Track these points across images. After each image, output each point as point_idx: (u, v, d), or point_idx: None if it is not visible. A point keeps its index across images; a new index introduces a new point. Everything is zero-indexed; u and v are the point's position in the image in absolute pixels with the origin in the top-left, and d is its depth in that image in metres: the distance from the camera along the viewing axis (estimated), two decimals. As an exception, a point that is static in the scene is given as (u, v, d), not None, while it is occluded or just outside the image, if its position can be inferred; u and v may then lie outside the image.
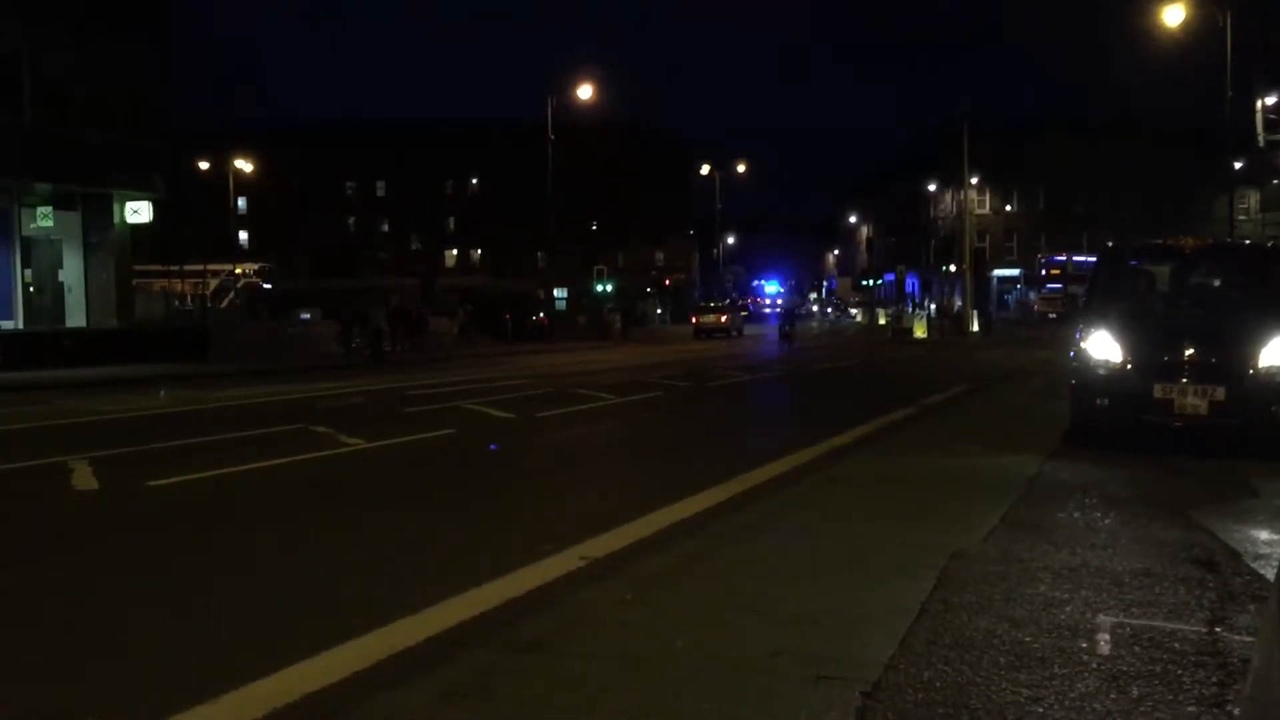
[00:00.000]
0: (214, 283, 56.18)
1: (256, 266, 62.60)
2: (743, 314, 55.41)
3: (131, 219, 30.62)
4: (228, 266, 59.56)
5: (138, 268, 38.03)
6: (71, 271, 30.42)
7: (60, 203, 29.11)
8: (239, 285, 57.07)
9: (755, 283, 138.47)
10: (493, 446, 12.20)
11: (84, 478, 9.53)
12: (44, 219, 28.81)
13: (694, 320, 54.07)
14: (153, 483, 9.16)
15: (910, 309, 56.35)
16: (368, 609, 5.03)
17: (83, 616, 5.33)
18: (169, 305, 50.07)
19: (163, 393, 18.98)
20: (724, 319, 52.35)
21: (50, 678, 4.39)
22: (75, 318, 30.01)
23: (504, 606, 5.03)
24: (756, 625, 4.61)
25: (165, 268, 53.14)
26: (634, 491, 8.45)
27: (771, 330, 54.83)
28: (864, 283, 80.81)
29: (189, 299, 55.45)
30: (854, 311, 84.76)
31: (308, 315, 43.15)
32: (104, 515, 8.23)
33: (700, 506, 7.50)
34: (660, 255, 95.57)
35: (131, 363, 25.76)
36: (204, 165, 63.04)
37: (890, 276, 79.78)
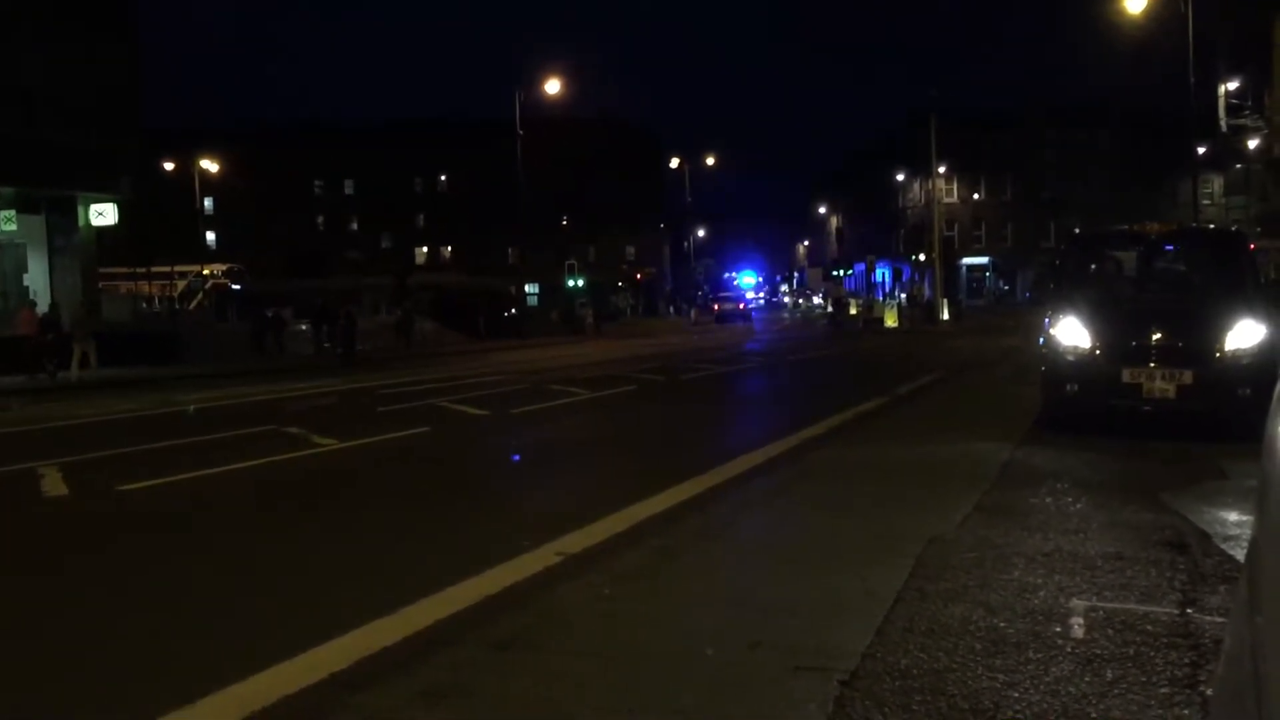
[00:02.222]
0: (182, 284, 55.76)
1: (225, 267, 62.19)
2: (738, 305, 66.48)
3: (97, 222, 30.27)
4: (196, 268, 59.11)
5: (104, 270, 37.65)
6: (37, 275, 30.06)
7: (24, 206, 28.73)
8: (207, 286, 56.66)
9: (726, 275, 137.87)
10: (485, 439, 12.17)
11: (54, 483, 9.43)
12: (7, 223, 28.43)
13: (715, 307, 67.61)
14: (124, 487, 9.07)
15: (881, 298, 56.64)
16: (345, 609, 5.00)
17: (53, 623, 5.28)
18: (137, 307, 49.57)
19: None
20: (741, 305, 66.65)
21: (20, 685, 4.35)
22: (41, 322, 29.64)
23: (482, 604, 5.01)
24: (734, 617, 4.62)
25: (132, 270, 52.67)
26: (610, 486, 8.45)
27: (757, 324, 56.84)
28: (835, 273, 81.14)
29: (157, 301, 54.97)
30: (822, 300, 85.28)
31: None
32: (74, 521, 8.15)
33: (676, 500, 7.50)
34: (631, 249, 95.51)
35: (99, 366, 25.50)
36: (170, 166, 62.45)
37: (861, 266, 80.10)
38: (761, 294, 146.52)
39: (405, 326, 37.78)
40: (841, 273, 77.47)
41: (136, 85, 32.27)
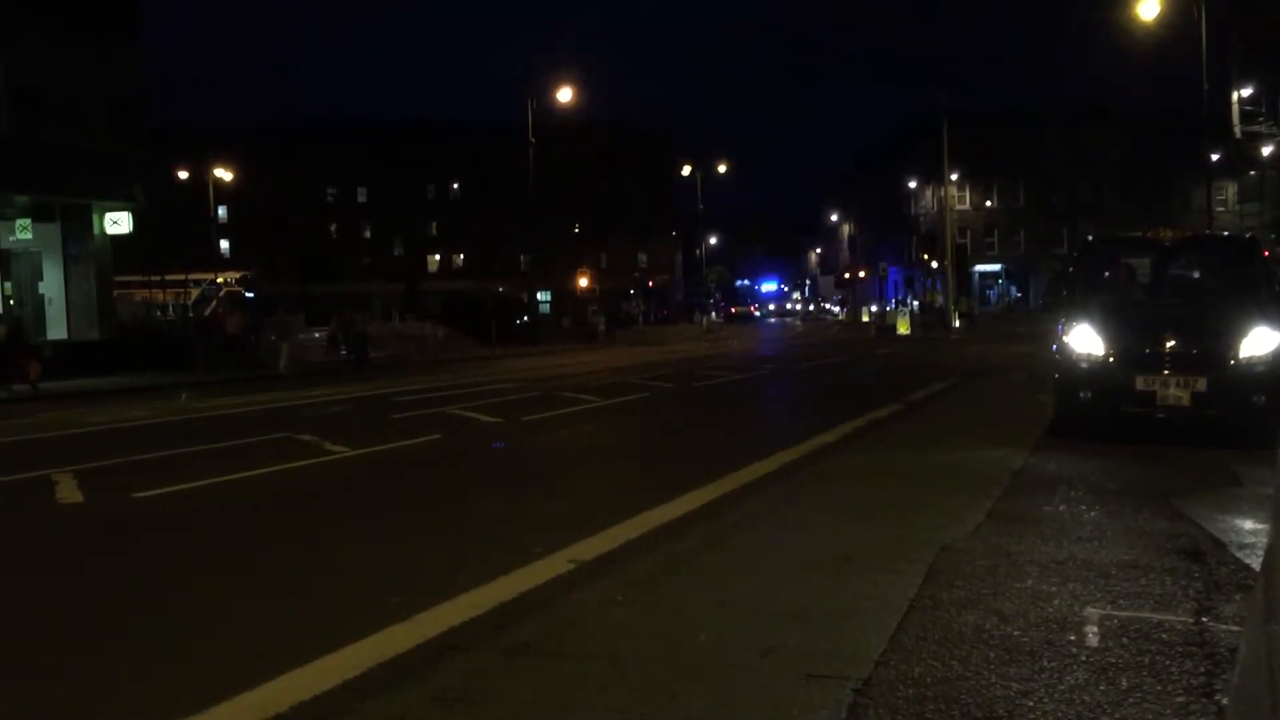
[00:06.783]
0: (196, 291, 55.96)
1: (238, 275, 62.37)
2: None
3: (111, 230, 30.41)
4: (209, 275, 59.30)
5: (118, 277, 37.78)
6: (52, 283, 30.21)
7: (39, 214, 28.88)
8: (221, 294, 56.78)
9: (741, 282, 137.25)
10: (496, 445, 12.18)
11: (69, 490, 9.47)
12: (23, 231, 28.58)
13: (732, 310, 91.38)
14: (138, 494, 9.11)
15: (893, 305, 56.55)
16: (358, 616, 5.02)
17: (67, 630, 5.30)
18: (151, 315, 49.75)
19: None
20: (752, 309, 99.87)
21: (33, 692, 4.37)
22: (56, 329, 29.79)
23: (495, 610, 5.02)
24: (746, 623, 4.61)
25: (146, 277, 52.90)
26: (622, 493, 8.45)
27: (774, 328, 57.29)
28: (847, 279, 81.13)
29: (171, 308, 55.14)
30: (835, 308, 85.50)
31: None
32: (88, 528, 8.18)
33: (688, 507, 7.50)
34: (643, 256, 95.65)
35: (114, 373, 25.64)
36: (183, 173, 62.66)
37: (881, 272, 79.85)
38: (776, 303, 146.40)
39: (344, 341, 30.51)
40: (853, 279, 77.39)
41: (144, 91, 32.42)
